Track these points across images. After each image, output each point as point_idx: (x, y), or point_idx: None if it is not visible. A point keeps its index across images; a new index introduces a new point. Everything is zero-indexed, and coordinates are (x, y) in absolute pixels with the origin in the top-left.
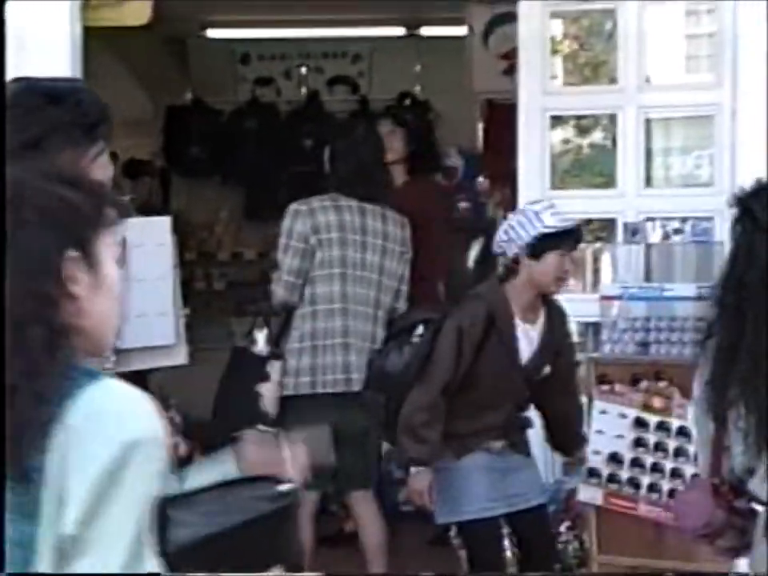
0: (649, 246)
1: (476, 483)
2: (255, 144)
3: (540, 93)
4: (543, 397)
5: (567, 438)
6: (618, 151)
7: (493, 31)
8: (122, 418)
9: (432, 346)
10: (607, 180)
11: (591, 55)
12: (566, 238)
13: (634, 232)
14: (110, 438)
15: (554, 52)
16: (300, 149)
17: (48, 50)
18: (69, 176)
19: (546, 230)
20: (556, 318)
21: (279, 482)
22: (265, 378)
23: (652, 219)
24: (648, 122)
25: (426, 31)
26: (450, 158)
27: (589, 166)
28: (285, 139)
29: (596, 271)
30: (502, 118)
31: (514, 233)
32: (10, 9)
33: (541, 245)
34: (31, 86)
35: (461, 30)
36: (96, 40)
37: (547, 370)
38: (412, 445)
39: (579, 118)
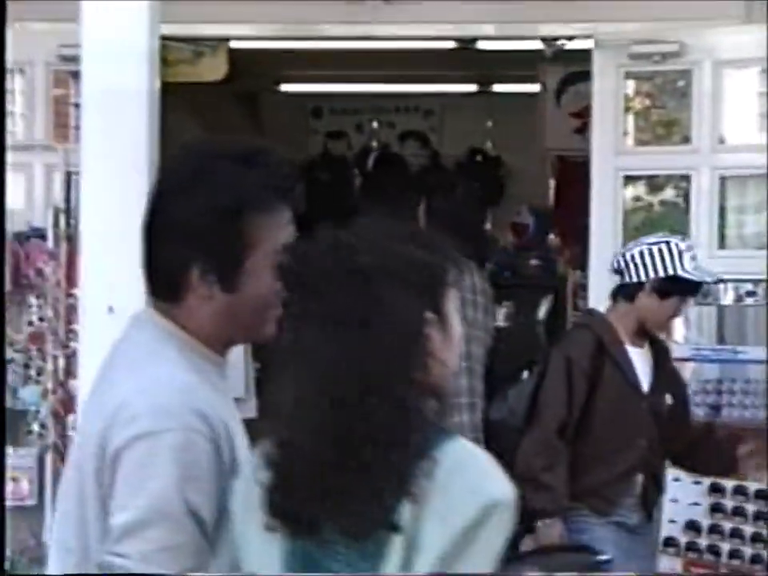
0: (722, 308)
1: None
2: (327, 196)
3: (613, 152)
4: (674, 438)
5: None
6: (690, 211)
7: (565, 89)
8: (485, 477)
9: (539, 383)
10: None
11: (663, 113)
12: (695, 287)
13: (706, 293)
14: (475, 496)
15: (626, 109)
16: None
17: (126, 105)
18: (421, 238)
19: (684, 275)
20: (660, 350)
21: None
22: None
23: (724, 281)
24: (723, 179)
25: (497, 88)
26: (520, 215)
27: (660, 224)
28: (356, 192)
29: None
30: (573, 174)
31: (650, 261)
32: (90, 66)
33: (671, 286)
34: (220, 150)
35: (533, 88)
36: (170, 94)
37: (669, 399)
38: (534, 494)
39: (652, 177)
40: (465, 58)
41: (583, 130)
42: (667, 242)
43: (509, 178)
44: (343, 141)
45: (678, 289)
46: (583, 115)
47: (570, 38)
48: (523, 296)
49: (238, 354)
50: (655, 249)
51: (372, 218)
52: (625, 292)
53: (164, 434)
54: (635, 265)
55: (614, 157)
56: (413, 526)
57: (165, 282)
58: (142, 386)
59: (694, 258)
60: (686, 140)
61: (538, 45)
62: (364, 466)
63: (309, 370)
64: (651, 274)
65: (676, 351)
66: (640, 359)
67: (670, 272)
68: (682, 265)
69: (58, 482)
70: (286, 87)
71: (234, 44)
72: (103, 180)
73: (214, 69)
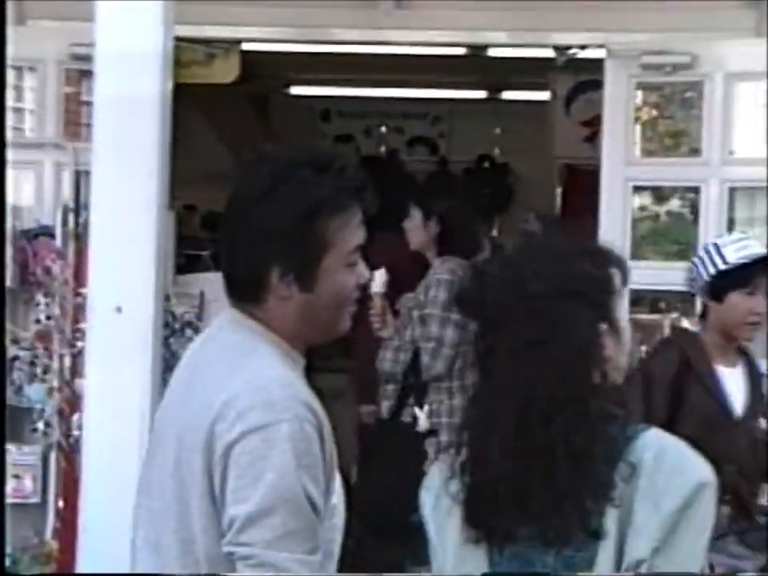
0: None
1: None
2: None
3: (623, 162)
4: None
5: None
6: (699, 222)
7: (576, 98)
8: (689, 460)
9: None
10: (684, 249)
11: (671, 123)
12: (754, 275)
13: None
14: (684, 478)
15: (635, 120)
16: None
17: (139, 107)
18: (584, 250)
19: (725, 267)
20: (755, 370)
21: None
22: (422, 456)
23: None
24: (731, 191)
25: (506, 95)
26: (528, 223)
27: (666, 234)
28: None
29: None
30: (581, 183)
31: (695, 271)
32: (104, 67)
33: (722, 284)
34: (296, 158)
35: (542, 95)
36: (180, 94)
37: (764, 424)
38: None
39: (659, 187)
40: (475, 65)
41: (593, 138)
42: (705, 245)
43: (516, 185)
44: (351, 145)
45: (730, 285)
46: (593, 124)
47: (583, 47)
48: None
49: None
50: (696, 257)
51: (534, 236)
52: (702, 309)
53: (278, 425)
54: (690, 281)
55: (623, 167)
56: (626, 505)
57: (246, 283)
58: (248, 383)
59: (742, 248)
60: (694, 151)
61: (549, 53)
62: (562, 477)
63: (500, 394)
64: (700, 282)
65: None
66: (732, 379)
67: (711, 271)
68: (722, 257)
69: (60, 480)
70: (295, 90)
71: (245, 46)
72: (114, 181)
73: (226, 70)
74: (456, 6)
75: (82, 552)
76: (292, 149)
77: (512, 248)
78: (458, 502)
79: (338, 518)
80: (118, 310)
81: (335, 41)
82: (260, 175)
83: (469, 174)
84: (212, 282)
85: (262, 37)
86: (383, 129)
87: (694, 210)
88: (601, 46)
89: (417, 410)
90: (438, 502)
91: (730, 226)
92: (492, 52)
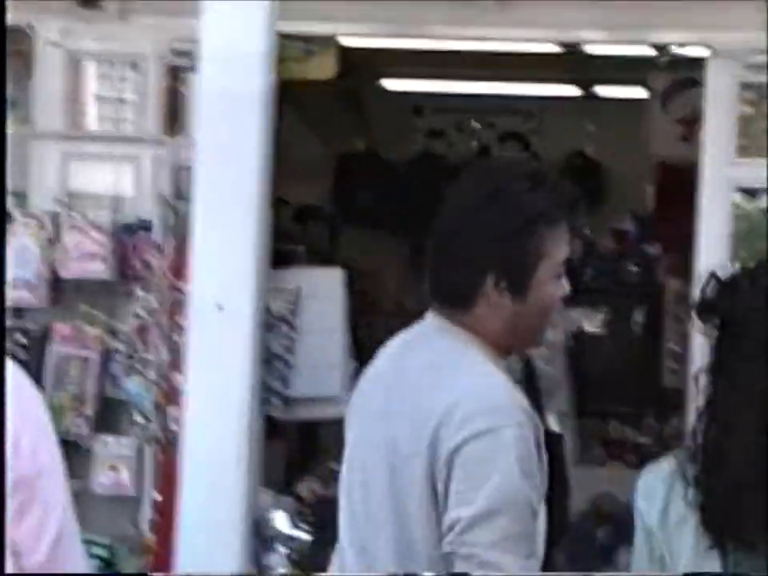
0: None
1: None
2: (426, 196)
3: (725, 163)
4: None
5: None
6: None
7: (672, 96)
8: None
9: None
10: None
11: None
12: None
13: None
14: None
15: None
16: None
17: (242, 105)
18: None
19: None
20: None
21: None
22: None
23: None
24: None
25: (600, 92)
26: (621, 221)
27: (758, 233)
28: None
29: None
30: (677, 181)
31: None
32: (208, 65)
33: None
34: (512, 171)
35: (638, 93)
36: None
37: None
38: None
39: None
40: (569, 62)
41: (689, 138)
42: None
43: (608, 183)
44: (443, 140)
45: None
46: (689, 122)
47: (683, 45)
48: (620, 302)
49: (336, 353)
50: None
51: None
52: None
53: (502, 430)
54: None
55: (726, 167)
56: None
57: (458, 290)
58: (470, 388)
59: None
60: None
61: (646, 50)
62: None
63: (741, 401)
64: None
65: None
66: None
67: None
68: None
69: (156, 473)
70: (389, 85)
71: (342, 41)
72: (217, 177)
73: (323, 67)
74: (555, 4)
75: (179, 546)
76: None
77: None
78: (694, 508)
79: (542, 523)
80: (220, 307)
81: (431, 36)
82: (479, 185)
83: (560, 171)
84: (308, 277)
85: (359, 32)
86: (475, 123)
87: None
88: (703, 45)
89: None
90: (667, 509)
91: None
92: (588, 49)
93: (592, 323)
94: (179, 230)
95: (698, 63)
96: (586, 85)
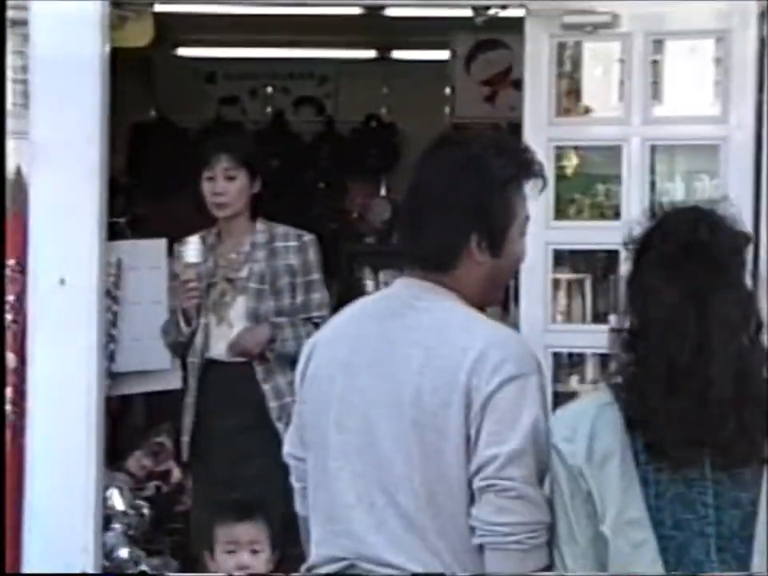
0: None
1: None
2: None
3: (546, 122)
4: None
5: None
6: (622, 181)
7: (476, 57)
8: None
9: None
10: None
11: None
12: None
13: None
14: None
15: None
16: (266, 169)
17: (77, 72)
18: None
19: None
20: None
21: None
22: None
23: None
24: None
25: (397, 55)
26: None
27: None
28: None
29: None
30: None
31: None
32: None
33: None
34: (480, 142)
35: (435, 55)
36: None
37: None
38: None
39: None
40: (366, 25)
41: (493, 98)
42: None
43: (404, 145)
44: (237, 106)
45: None
46: (492, 83)
47: (504, 7)
48: None
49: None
50: None
51: None
52: None
53: (528, 376)
54: None
55: (546, 127)
56: None
57: (443, 252)
58: (491, 340)
59: None
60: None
61: (450, 12)
62: (742, 404)
63: (714, 326)
64: None
65: (613, 322)
66: None
67: None
68: None
69: None
70: (181, 51)
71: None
72: (55, 150)
73: (140, 33)
74: None
75: (27, 531)
76: None
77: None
78: (625, 436)
79: None
80: (62, 281)
81: (223, 1)
82: (453, 155)
83: (356, 134)
84: (129, 250)
85: None
86: (269, 90)
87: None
88: (521, 6)
89: None
90: (591, 446)
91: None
92: (389, 12)
93: None
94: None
95: (501, 24)
96: (384, 48)
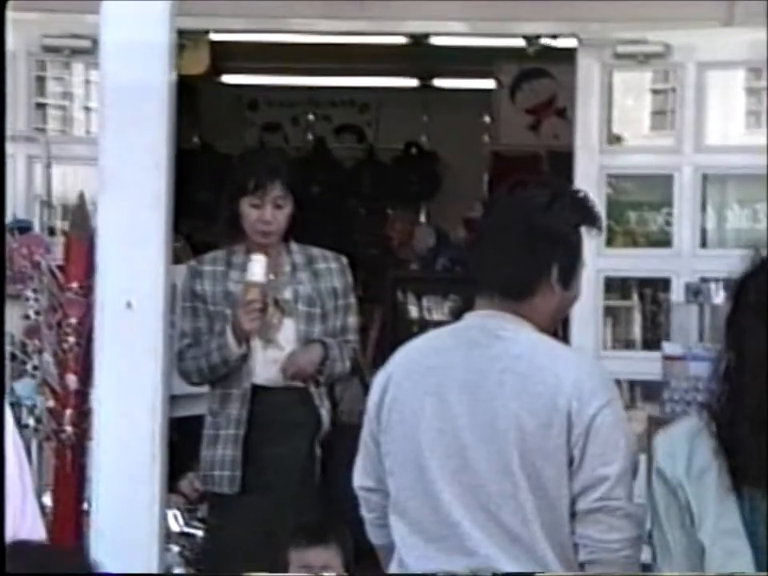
0: (705, 307)
1: None
2: None
3: (598, 150)
4: None
5: None
6: (674, 209)
7: (520, 86)
8: None
9: None
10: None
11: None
12: None
13: (696, 292)
14: None
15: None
16: (308, 195)
17: (144, 100)
18: None
19: None
20: None
21: None
22: None
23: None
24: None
25: (440, 83)
26: (473, 210)
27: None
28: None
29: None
30: (517, 170)
31: None
32: (109, 62)
33: None
34: (556, 186)
35: (478, 83)
36: None
37: None
38: None
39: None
40: (411, 54)
41: (536, 126)
42: None
43: (446, 173)
44: (279, 133)
45: None
46: (536, 112)
47: (555, 37)
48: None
49: None
50: None
51: None
52: None
53: (617, 400)
54: None
55: (599, 155)
56: None
57: (525, 280)
58: (581, 367)
59: None
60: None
61: (493, 42)
62: None
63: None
64: None
65: (667, 349)
66: None
67: None
68: None
69: (50, 476)
70: (224, 78)
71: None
72: (123, 177)
73: (196, 61)
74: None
75: (95, 551)
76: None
77: None
78: (717, 456)
79: None
80: (129, 305)
81: (266, 29)
82: (537, 193)
83: (396, 161)
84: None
85: (227, 27)
86: (311, 117)
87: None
88: (573, 36)
89: None
90: (690, 462)
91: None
92: (433, 41)
93: (440, 311)
94: (61, 229)
95: (546, 53)
96: (426, 76)
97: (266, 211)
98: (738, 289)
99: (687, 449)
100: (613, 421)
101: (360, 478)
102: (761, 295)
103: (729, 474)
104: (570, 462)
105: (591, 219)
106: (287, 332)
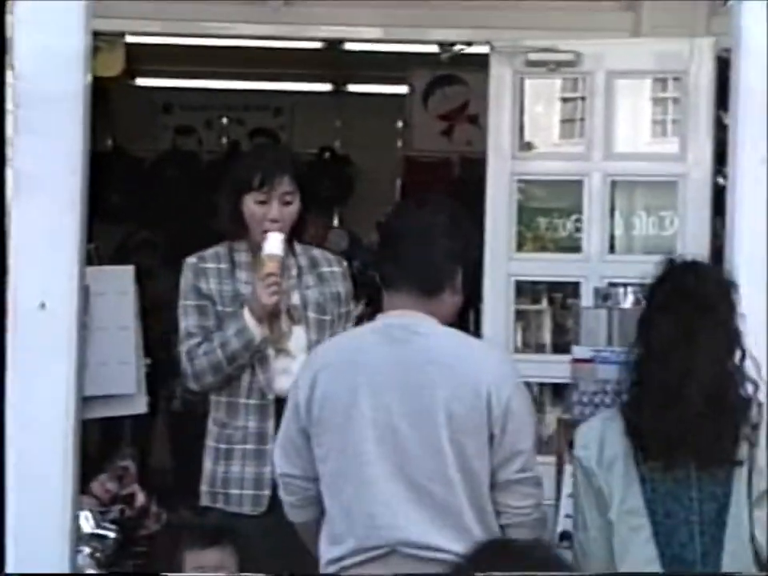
0: (613, 311)
1: None
2: (175, 192)
3: (510, 156)
4: None
5: None
6: (583, 215)
7: (433, 92)
8: None
9: None
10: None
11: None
12: None
13: (605, 297)
14: None
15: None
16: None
17: (59, 106)
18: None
19: None
20: None
21: None
22: None
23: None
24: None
25: (353, 88)
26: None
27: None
28: (205, 189)
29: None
30: (427, 175)
31: None
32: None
33: None
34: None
35: (392, 89)
36: None
37: None
38: None
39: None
40: (325, 59)
41: (449, 132)
42: None
43: (358, 178)
44: (193, 137)
45: None
46: (449, 118)
47: (469, 44)
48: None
49: (128, 351)
50: None
51: None
52: None
53: (521, 385)
54: None
55: (510, 161)
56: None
57: (437, 278)
58: (494, 358)
59: None
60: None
61: (410, 48)
62: (717, 418)
63: (699, 356)
64: None
65: (576, 352)
66: None
67: None
68: None
69: None
70: (138, 81)
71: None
72: (38, 179)
73: (110, 64)
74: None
75: (9, 553)
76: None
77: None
78: (625, 440)
79: None
80: (42, 306)
81: (183, 33)
82: (445, 210)
83: (310, 166)
84: (96, 276)
85: (145, 30)
86: (224, 120)
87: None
88: (486, 43)
89: None
90: (602, 452)
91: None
92: (347, 46)
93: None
94: None
95: (459, 60)
96: (340, 81)
97: (273, 208)
98: (650, 291)
99: (599, 441)
100: (523, 402)
101: (284, 466)
102: (667, 298)
103: (633, 459)
104: (491, 438)
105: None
106: (298, 340)
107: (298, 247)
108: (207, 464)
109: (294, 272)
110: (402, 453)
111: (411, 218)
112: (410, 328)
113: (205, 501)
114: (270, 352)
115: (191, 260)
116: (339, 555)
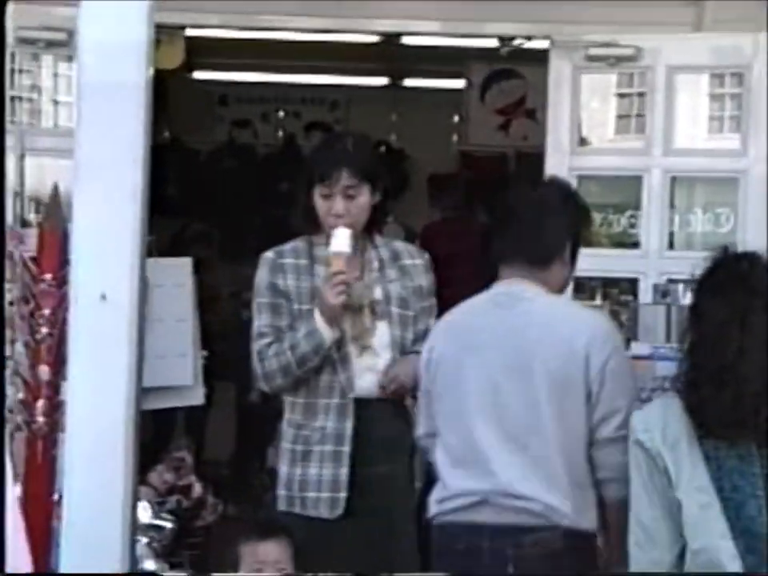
0: (672, 307)
1: None
2: (231, 185)
3: (568, 151)
4: None
5: None
6: (642, 210)
7: (490, 86)
8: None
9: None
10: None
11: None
12: None
13: (664, 293)
14: None
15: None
16: (275, 192)
17: (121, 97)
18: None
19: None
20: None
21: None
22: None
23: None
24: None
25: (409, 82)
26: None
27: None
28: (261, 182)
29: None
30: (481, 169)
31: None
32: (86, 57)
33: None
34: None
35: (448, 83)
36: None
37: None
38: None
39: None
40: (382, 53)
41: (506, 127)
42: None
43: (414, 172)
44: (249, 129)
45: None
46: (506, 112)
47: (529, 38)
48: None
49: (186, 343)
50: None
51: None
52: None
53: (621, 347)
54: None
55: (569, 156)
56: None
57: (547, 253)
58: (593, 321)
59: None
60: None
61: (467, 42)
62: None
63: (751, 338)
64: None
65: (634, 349)
66: None
67: None
68: None
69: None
70: (195, 74)
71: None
72: (99, 170)
73: (171, 56)
74: None
75: (63, 539)
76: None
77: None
78: (685, 419)
79: None
80: (103, 297)
81: (242, 26)
82: (554, 189)
83: None
84: (155, 268)
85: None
86: (280, 114)
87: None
88: (546, 38)
89: None
90: (665, 433)
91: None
92: (404, 40)
93: None
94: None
95: (517, 55)
96: (397, 75)
97: (336, 202)
98: (701, 279)
99: (661, 423)
100: (621, 361)
101: (422, 427)
102: (720, 283)
103: (696, 439)
104: (588, 396)
105: (586, 220)
106: (382, 337)
107: (378, 239)
108: (283, 467)
109: (376, 265)
110: (501, 406)
111: (524, 196)
112: (516, 295)
113: (282, 505)
114: (353, 349)
115: (269, 255)
116: (440, 497)
